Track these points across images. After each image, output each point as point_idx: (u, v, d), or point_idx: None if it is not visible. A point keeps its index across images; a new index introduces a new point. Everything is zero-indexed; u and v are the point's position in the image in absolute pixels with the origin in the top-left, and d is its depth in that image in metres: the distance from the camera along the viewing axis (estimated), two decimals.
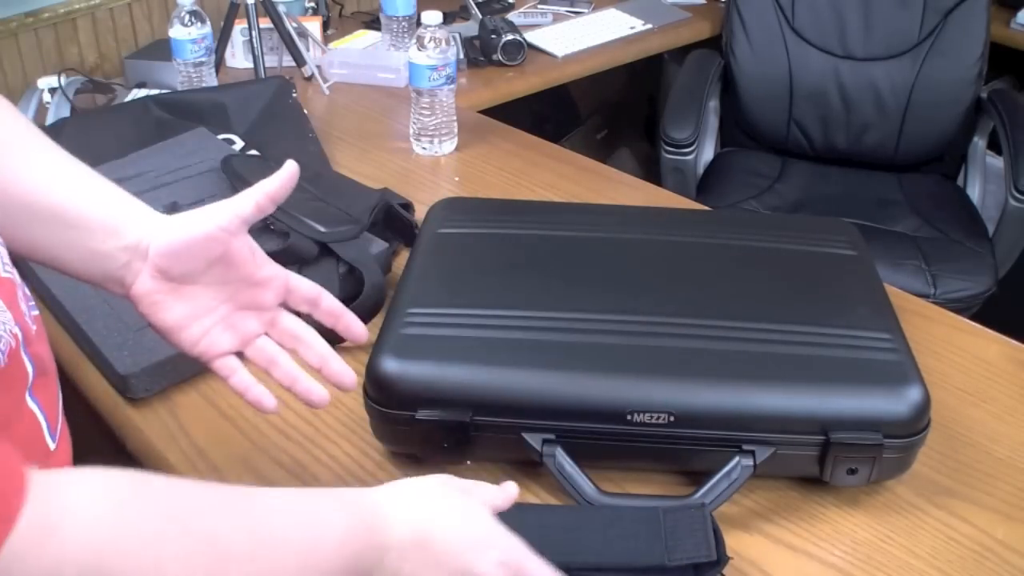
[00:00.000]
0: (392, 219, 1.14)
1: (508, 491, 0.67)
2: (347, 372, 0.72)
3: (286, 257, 1.02)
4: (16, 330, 0.54)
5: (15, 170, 0.66)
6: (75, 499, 0.44)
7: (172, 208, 1.13)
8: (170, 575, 0.46)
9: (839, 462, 0.79)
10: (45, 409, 0.58)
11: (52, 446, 0.58)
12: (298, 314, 0.73)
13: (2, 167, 0.66)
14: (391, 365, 0.80)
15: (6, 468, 0.40)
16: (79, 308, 0.98)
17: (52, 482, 0.43)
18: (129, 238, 0.67)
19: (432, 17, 1.35)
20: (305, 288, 0.73)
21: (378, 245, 1.07)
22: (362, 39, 1.87)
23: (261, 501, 0.55)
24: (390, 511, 0.60)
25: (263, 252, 0.71)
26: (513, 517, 0.65)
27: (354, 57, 1.74)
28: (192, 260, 0.67)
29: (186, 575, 0.47)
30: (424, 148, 1.42)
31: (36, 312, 0.62)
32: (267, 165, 1.18)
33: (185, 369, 0.94)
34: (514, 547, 0.62)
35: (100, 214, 0.67)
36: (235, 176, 1.12)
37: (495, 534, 0.62)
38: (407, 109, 1.43)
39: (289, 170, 0.69)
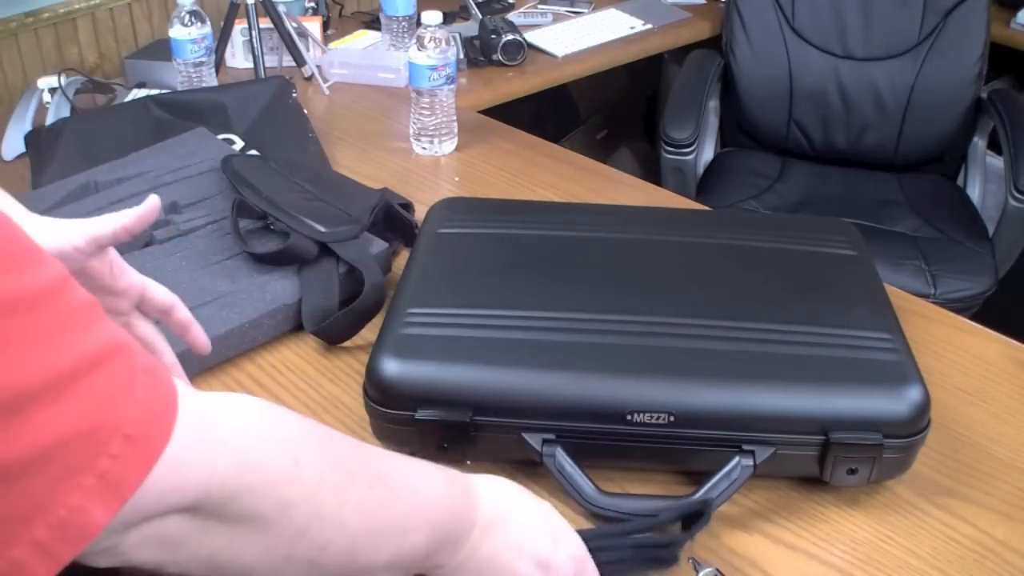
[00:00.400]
0: (392, 219, 1.14)
1: None
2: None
3: (286, 257, 1.02)
4: None
5: None
6: (222, 405, 0.47)
7: (172, 208, 1.13)
8: (304, 477, 0.49)
9: (839, 462, 0.79)
10: None
11: None
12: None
13: None
14: (391, 365, 0.80)
15: (161, 372, 0.42)
16: None
17: (197, 393, 0.45)
18: None
19: (432, 17, 1.35)
20: (160, 297, 0.74)
21: (378, 245, 1.07)
22: (362, 39, 1.87)
23: (377, 450, 0.59)
24: (480, 489, 0.64)
25: (121, 263, 0.72)
26: None
27: (354, 57, 1.74)
28: None
29: (316, 481, 0.49)
30: (424, 148, 1.42)
31: None
32: (267, 165, 1.18)
33: (186, 369, 0.94)
34: (581, 545, 0.67)
35: None
36: (235, 176, 1.12)
37: (567, 530, 0.67)
38: (407, 109, 1.43)
39: (150, 205, 0.70)
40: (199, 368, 0.95)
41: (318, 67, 1.68)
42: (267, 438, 0.48)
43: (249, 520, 0.46)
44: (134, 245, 1.06)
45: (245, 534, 0.46)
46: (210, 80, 1.54)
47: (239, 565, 0.47)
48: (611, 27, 2.04)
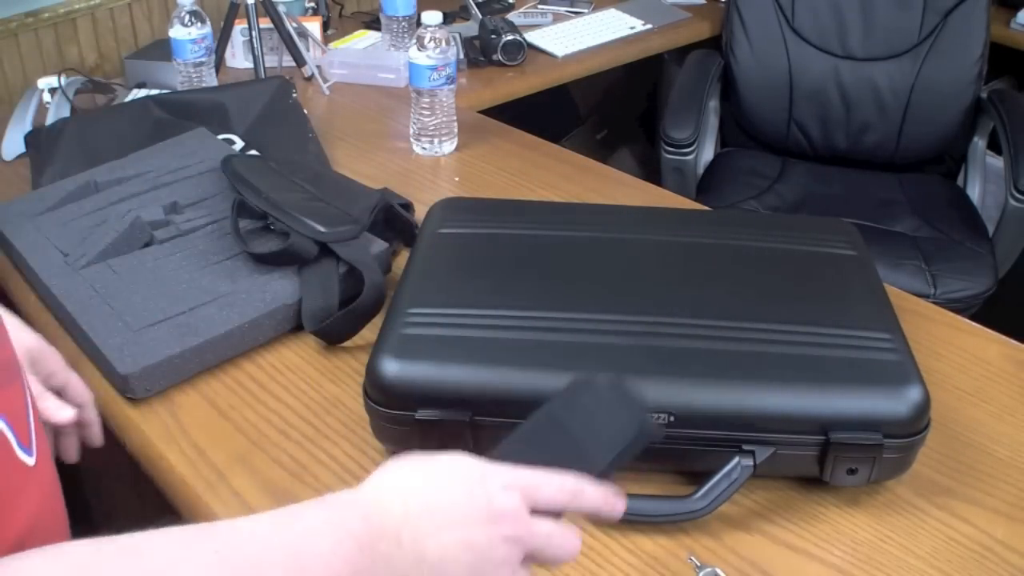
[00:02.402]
0: (392, 219, 1.14)
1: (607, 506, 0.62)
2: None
3: (286, 257, 1.02)
4: None
5: None
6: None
7: (172, 208, 1.13)
8: None
9: (839, 462, 0.79)
10: (11, 421, 0.54)
11: (29, 461, 0.55)
12: None
13: None
14: (391, 365, 0.80)
15: None
16: (79, 308, 0.98)
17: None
18: None
19: (432, 17, 1.35)
20: (77, 396, 0.82)
21: (378, 245, 1.07)
22: (362, 39, 1.87)
23: (230, 533, 0.52)
24: (376, 496, 0.57)
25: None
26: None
27: (354, 57, 1.74)
28: None
29: None
30: (424, 148, 1.42)
31: None
32: (267, 165, 1.18)
33: (186, 369, 0.94)
34: (509, 471, 0.60)
35: None
36: (235, 176, 1.12)
37: (487, 469, 0.60)
38: (407, 109, 1.43)
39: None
40: (199, 367, 0.95)
41: (318, 67, 1.68)
42: None
43: None
44: (134, 246, 1.07)
45: None
46: (210, 80, 1.54)
47: None
48: (611, 27, 2.04)
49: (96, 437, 0.84)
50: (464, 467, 0.59)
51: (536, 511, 0.59)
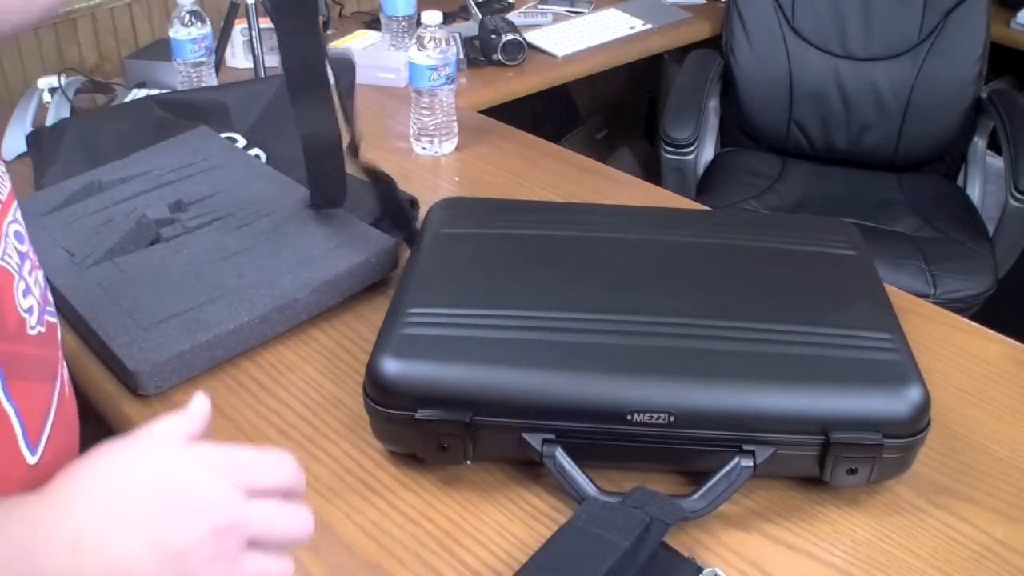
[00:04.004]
0: (398, 216, 1.15)
1: (194, 409, 0.58)
2: None
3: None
4: None
5: None
6: None
7: (177, 206, 1.13)
8: None
9: (839, 462, 0.79)
10: (24, 416, 0.53)
11: (31, 459, 0.54)
12: None
13: None
14: (391, 365, 0.80)
15: None
16: (88, 307, 0.98)
17: None
18: None
19: (432, 17, 1.35)
20: None
21: (386, 240, 1.07)
22: (362, 39, 1.87)
23: None
24: (59, 500, 0.51)
25: None
26: None
27: (354, 57, 1.74)
28: None
29: None
30: (424, 148, 1.42)
31: (52, 318, 0.60)
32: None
33: (195, 365, 0.94)
34: (222, 453, 0.54)
35: None
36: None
37: (189, 455, 0.54)
38: (407, 109, 1.43)
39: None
40: (209, 363, 0.95)
41: None
42: None
43: None
44: (140, 244, 1.07)
45: None
46: (210, 80, 1.54)
47: None
48: (611, 27, 2.04)
49: None
50: (162, 455, 0.54)
51: (254, 492, 0.53)
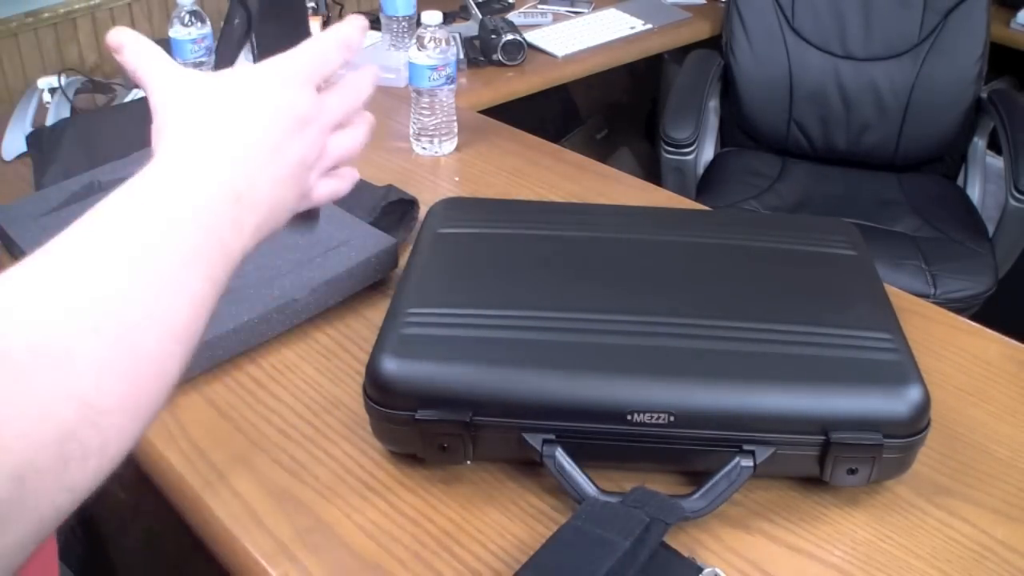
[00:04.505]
0: (398, 215, 1.15)
1: (349, 27, 0.63)
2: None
3: None
4: None
5: None
6: None
7: None
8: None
9: (839, 462, 0.79)
10: None
11: None
12: None
13: None
14: (391, 365, 0.80)
15: None
16: None
17: None
18: None
19: (432, 17, 1.35)
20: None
21: (385, 240, 1.07)
22: None
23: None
24: (203, 166, 0.52)
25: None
26: None
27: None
28: None
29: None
30: (424, 148, 1.42)
31: None
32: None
33: (196, 364, 0.94)
34: (299, 62, 0.60)
35: None
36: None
37: (279, 74, 0.58)
38: (407, 109, 1.43)
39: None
40: (209, 363, 0.95)
41: None
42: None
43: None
44: None
45: None
46: None
47: None
48: (611, 27, 2.04)
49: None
50: (260, 81, 0.57)
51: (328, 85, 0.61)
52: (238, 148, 0.54)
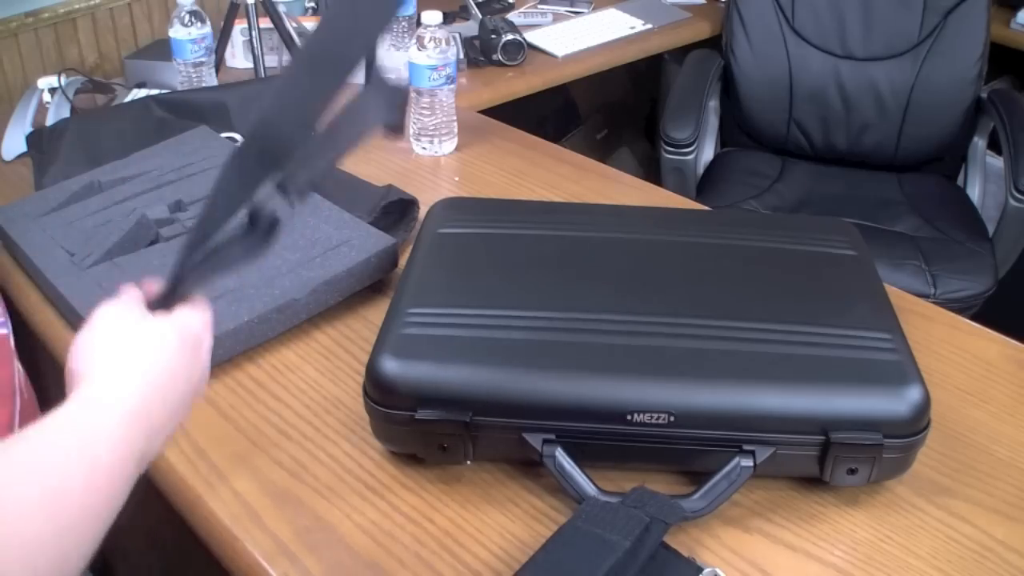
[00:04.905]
0: (398, 215, 1.15)
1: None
2: None
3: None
4: None
5: None
6: None
7: (176, 206, 1.13)
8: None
9: (839, 462, 0.79)
10: None
11: None
12: None
13: None
14: (391, 365, 0.80)
15: None
16: (88, 307, 0.97)
17: None
18: None
19: (432, 17, 1.35)
20: None
21: (385, 240, 1.07)
22: None
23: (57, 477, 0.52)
24: (102, 398, 0.57)
25: None
26: None
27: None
28: None
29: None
30: (424, 148, 1.42)
31: (2, 330, 0.62)
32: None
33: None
34: (179, 324, 0.64)
35: None
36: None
37: (155, 324, 0.64)
38: (407, 109, 1.43)
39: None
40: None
41: None
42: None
43: None
44: (140, 244, 1.07)
45: None
46: (210, 80, 1.54)
47: None
48: (611, 27, 2.04)
49: None
50: (151, 327, 0.63)
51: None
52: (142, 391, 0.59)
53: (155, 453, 0.59)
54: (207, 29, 1.51)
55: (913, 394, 0.78)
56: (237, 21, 1.66)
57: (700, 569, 0.72)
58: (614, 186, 1.36)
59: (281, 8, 1.64)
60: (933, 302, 1.13)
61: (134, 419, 0.57)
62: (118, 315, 0.64)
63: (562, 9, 2.11)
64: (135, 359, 0.61)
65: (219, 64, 1.63)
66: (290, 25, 1.65)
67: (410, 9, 1.75)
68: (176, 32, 1.49)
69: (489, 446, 0.81)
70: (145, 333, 0.63)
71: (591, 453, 0.79)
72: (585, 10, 2.11)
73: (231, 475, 0.84)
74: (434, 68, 1.36)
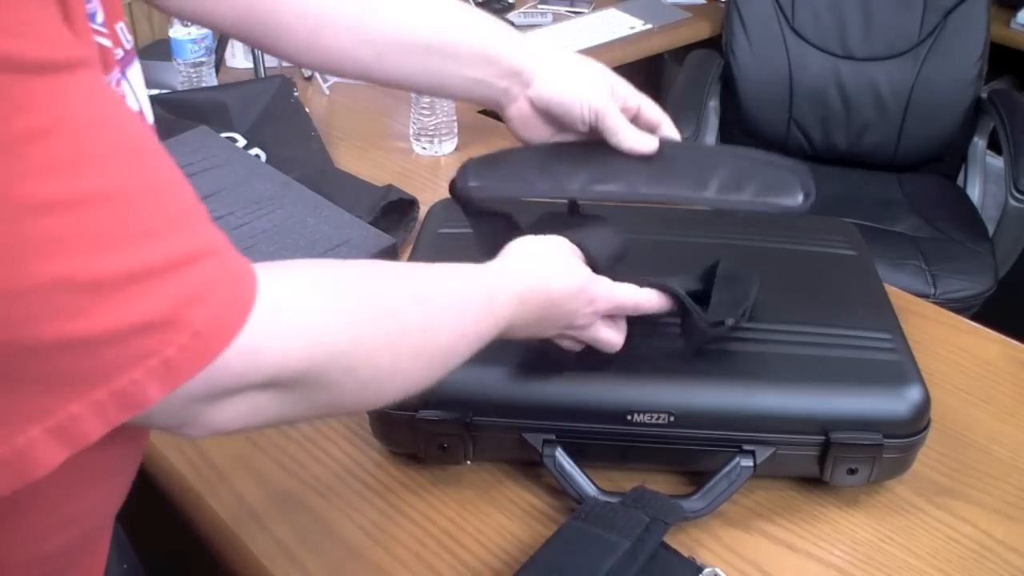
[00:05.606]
0: (398, 215, 1.15)
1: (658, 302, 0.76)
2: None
3: None
4: None
5: (388, 9, 0.76)
6: (291, 290, 0.51)
7: None
8: (363, 345, 0.53)
9: (839, 462, 0.79)
10: None
11: None
12: None
13: (376, 6, 0.76)
14: None
15: (243, 278, 0.47)
16: None
17: (272, 279, 0.49)
18: (504, 66, 0.78)
19: None
20: (651, 116, 0.84)
21: (384, 240, 1.07)
22: None
23: (424, 279, 0.61)
24: (508, 286, 0.67)
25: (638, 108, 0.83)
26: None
27: None
28: (563, 119, 0.80)
29: (374, 346, 0.54)
30: (424, 148, 1.42)
31: None
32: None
33: None
34: (607, 292, 0.72)
35: (476, 44, 0.78)
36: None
37: (591, 283, 0.71)
38: (407, 109, 1.43)
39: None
40: None
41: None
42: (330, 319, 0.52)
43: (317, 386, 0.51)
44: None
45: (315, 395, 0.52)
46: (210, 80, 1.54)
47: (311, 415, 0.56)
48: (611, 27, 2.04)
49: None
50: (575, 274, 0.71)
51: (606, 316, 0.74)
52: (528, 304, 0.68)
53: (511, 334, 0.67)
54: (207, 29, 1.51)
55: (913, 394, 0.78)
56: None
57: (700, 569, 0.72)
58: None
59: None
60: (933, 302, 1.13)
61: (517, 303, 0.66)
62: (564, 249, 0.72)
63: (562, 9, 2.11)
64: (549, 267, 0.70)
65: (219, 64, 1.63)
66: None
67: None
68: (176, 32, 1.49)
69: (489, 446, 0.81)
70: (573, 265, 0.71)
71: (591, 453, 0.79)
72: (585, 10, 2.11)
73: (231, 475, 0.84)
74: None
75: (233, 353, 0.45)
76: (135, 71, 0.64)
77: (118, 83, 0.59)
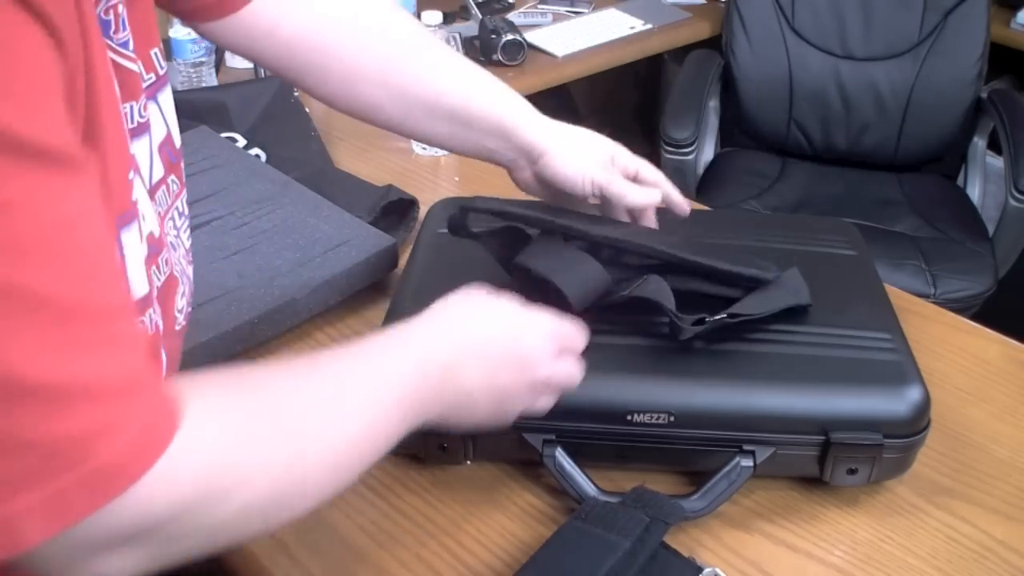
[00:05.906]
0: (398, 215, 1.15)
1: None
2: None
3: None
4: (160, 322, 0.60)
5: (419, 72, 0.83)
6: (197, 428, 0.47)
7: None
8: (264, 478, 0.50)
9: (839, 462, 0.79)
10: None
11: None
12: None
13: (408, 68, 0.83)
14: None
15: (161, 419, 0.44)
16: None
17: (182, 416, 0.46)
18: (515, 142, 0.86)
19: (432, 17, 1.35)
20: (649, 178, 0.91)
21: (385, 240, 1.07)
22: None
23: (326, 391, 0.57)
24: (427, 347, 0.64)
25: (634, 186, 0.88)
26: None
27: None
28: (566, 192, 0.87)
29: (277, 476, 0.51)
30: (424, 148, 1.42)
31: (190, 309, 0.67)
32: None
33: (194, 366, 0.94)
34: (546, 320, 0.69)
35: (493, 118, 0.85)
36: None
37: (526, 318, 0.69)
38: None
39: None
40: (209, 363, 0.95)
41: None
42: (233, 456, 0.49)
43: (214, 525, 0.49)
44: None
45: (212, 530, 0.49)
46: (210, 80, 1.54)
47: (210, 545, 0.51)
48: (611, 27, 2.04)
49: (681, 205, 0.92)
50: (511, 312, 0.68)
51: (563, 352, 0.70)
52: (465, 347, 0.66)
53: (433, 421, 0.63)
54: None
55: (913, 394, 0.78)
56: None
57: (700, 569, 0.72)
58: None
59: None
60: (933, 302, 1.13)
61: (429, 367, 0.62)
62: (494, 300, 0.69)
63: (562, 9, 2.11)
64: (470, 322, 0.67)
65: (219, 64, 1.63)
66: None
67: (410, 9, 1.75)
68: (176, 32, 1.49)
69: (489, 446, 0.81)
70: (505, 310, 0.68)
71: (591, 453, 0.79)
72: (585, 10, 2.11)
73: None
74: None
75: (123, 500, 0.41)
76: (166, 96, 0.65)
77: (145, 108, 0.58)
